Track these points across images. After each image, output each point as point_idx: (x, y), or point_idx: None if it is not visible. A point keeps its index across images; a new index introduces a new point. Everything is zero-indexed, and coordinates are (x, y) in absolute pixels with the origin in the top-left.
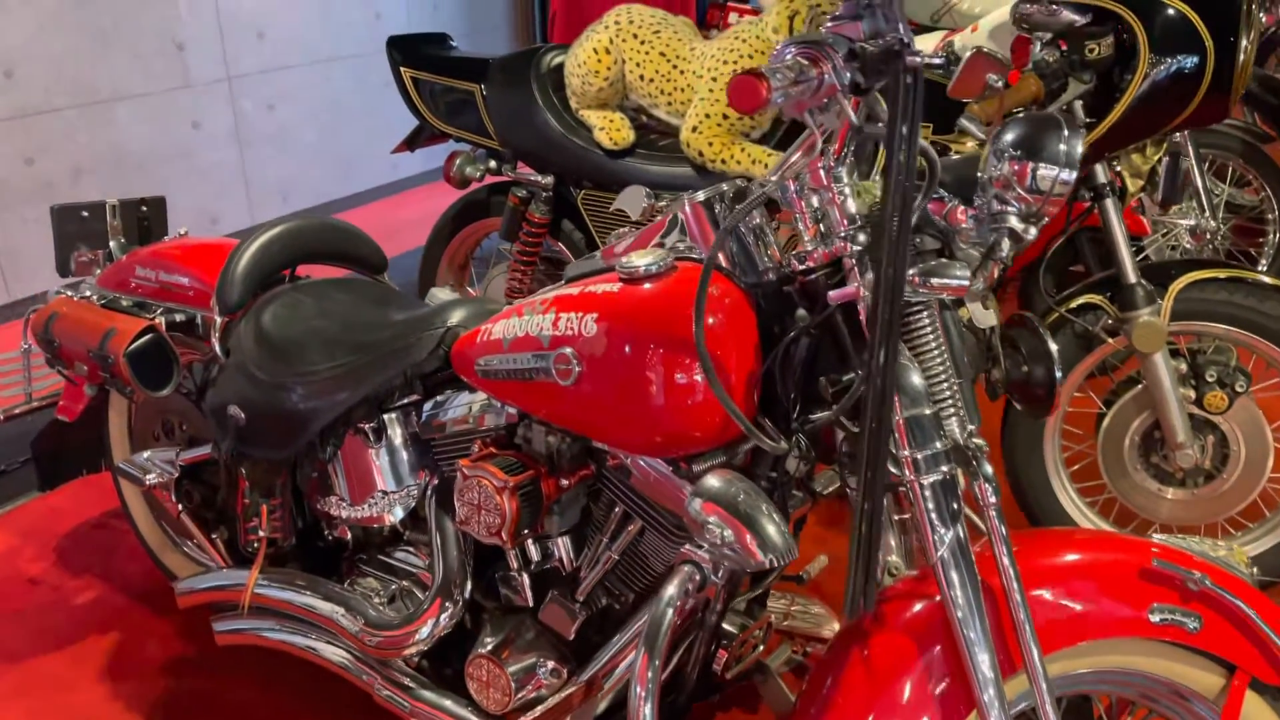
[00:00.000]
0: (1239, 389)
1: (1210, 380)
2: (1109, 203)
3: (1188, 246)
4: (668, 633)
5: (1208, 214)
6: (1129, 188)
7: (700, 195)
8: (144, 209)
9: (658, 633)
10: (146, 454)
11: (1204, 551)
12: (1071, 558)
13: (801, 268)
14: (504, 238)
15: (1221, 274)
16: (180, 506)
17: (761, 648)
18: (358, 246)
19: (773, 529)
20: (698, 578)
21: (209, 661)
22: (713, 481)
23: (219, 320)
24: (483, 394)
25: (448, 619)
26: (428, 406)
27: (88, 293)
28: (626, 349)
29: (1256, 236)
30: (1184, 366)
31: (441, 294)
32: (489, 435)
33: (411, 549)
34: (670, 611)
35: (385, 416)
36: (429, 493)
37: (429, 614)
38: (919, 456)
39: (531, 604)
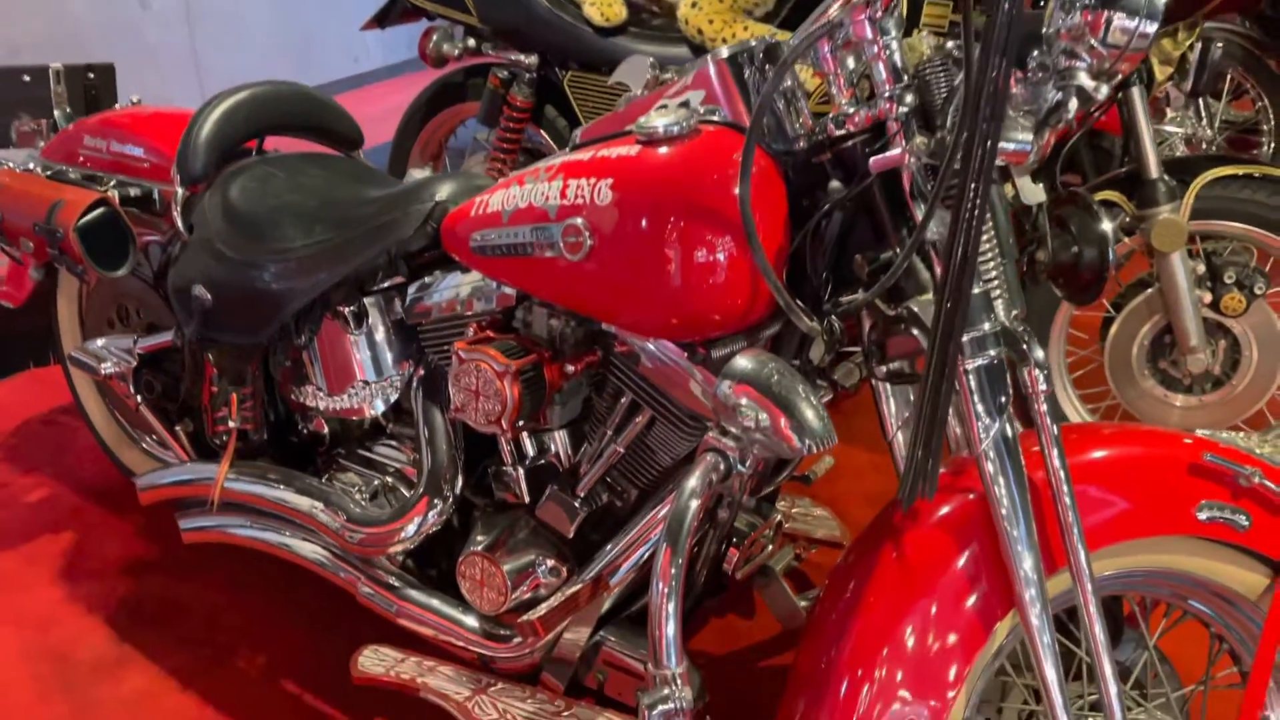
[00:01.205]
0: (1257, 291)
1: (1228, 282)
2: (1135, 91)
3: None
4: (691, 526)
5: (1204, 122)
6: (1156, 76)
7: (724, 52)
8: (90, 76)
9: (681, 526)
10: (101, 341)
11: (1250, 448)
12: (1119, 452)
13: (839, 133)
14: (482, 123)
15: (1251, 171)
16: (139, 398)
17: (770, 548)
18: (332, 119)
19: (811, 412)
20: (722, 467)
21: (173, 562)
22: (744, 362)
23: (180, 193)
24: (476, 274)
25: (436, 515)
26: (413, 289)
27: (31, 165)
28: (644, 219)
29: (1251, 149)
30: (1201, 267)
31: (416, 172)
32: (483, 319)
33: (394, 443)
34: (694, 504)
35: (366, 300)
36: (415, 383)
37: (416, 510)
38: (965, 339)
39: (528, 500)
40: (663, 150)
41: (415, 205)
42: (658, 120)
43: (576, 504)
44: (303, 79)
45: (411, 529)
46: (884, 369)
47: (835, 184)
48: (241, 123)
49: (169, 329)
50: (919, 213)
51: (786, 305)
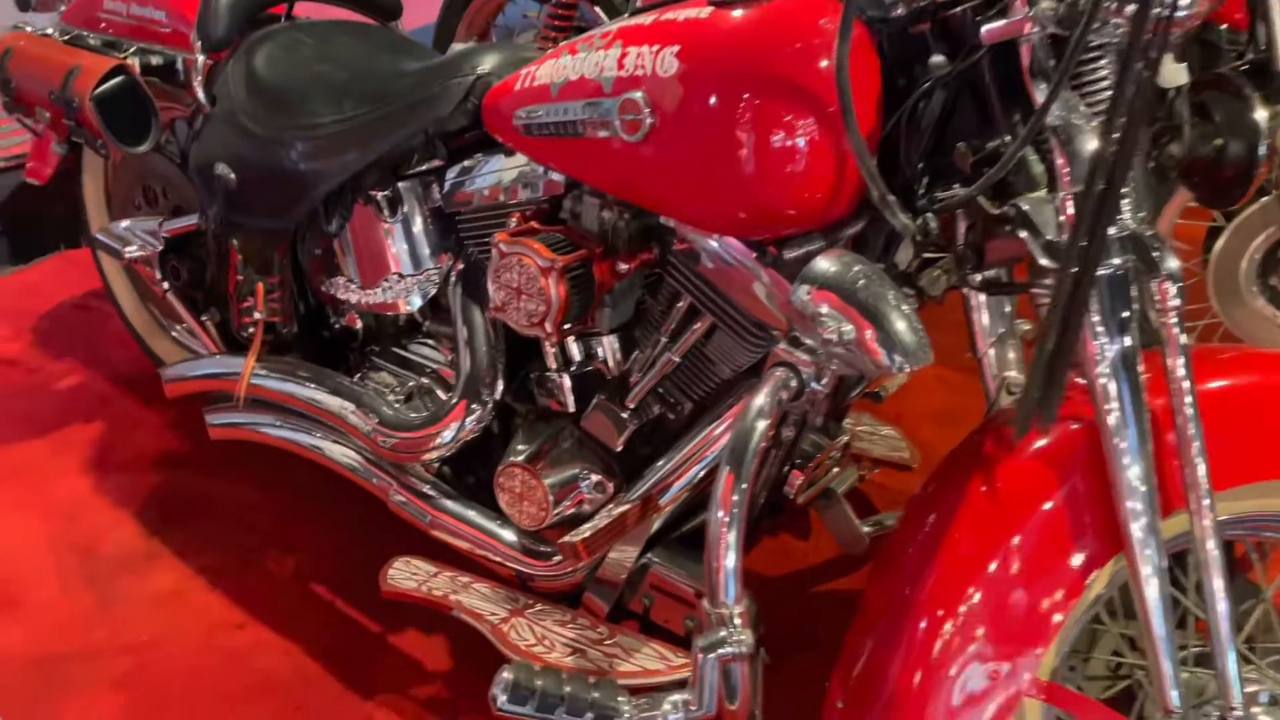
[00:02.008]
0: None
1: None
2: None
3: None
4: (757, 450)
5: None
6: None
7: None
8: None
9: (745, 449)
10: (125, 223)
11: None
12: (1245, 380)
13: None
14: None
15: None
16: (166, 284)
17: (836, 470)
18: None
19: (903, 324)
20: (793, 384)
21: (203, 457)
22: (826, 264)
23: (201, 61)
24: (521, 158)
25: (474, 421)
26: (452, 173)
27: (50, 30)
28: (714, 94)
29: None
30: None
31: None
32: (528, 208)
33: (431, 342)
34: (761, 424)
35: (401, 185)
36: (453, 277)
37: (453, 415)
38: None
39: (572, 410)
40: (738, 13)
41: (455, 79)
42: None
43: (625, 415)
44: None
45: (448, 435)
46: (979, 276)
47: (937, 58)
48: None
49: (197, 211)
50: (1038, 94)
51: (880, 198)
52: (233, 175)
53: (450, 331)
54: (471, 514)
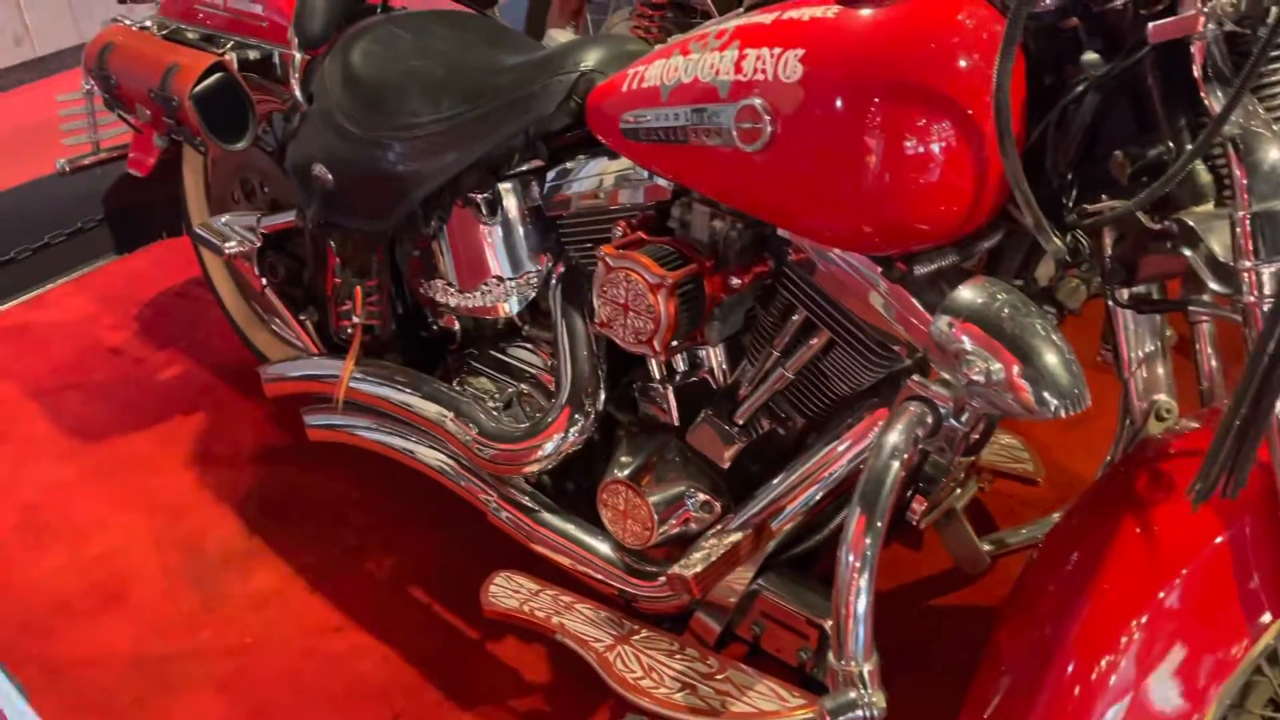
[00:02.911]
0: None
1: None
2: None
3: None
4: (893, 490)
5: None
6: None
7: None
8: None
9: (879, 490)
10: (225, 218)
11: None
12: None
13: None
14: None
15: None
16: (264, 281)
17: (959, 491)
18: None
19: (1057, 362)
20: (929, 420)
21: (303, 453)
22: (969, 294)
23: (298, 58)
24: (626, 161)
25: (577, 433)
26: (553, 175)
27: (148, 23)
28: (843, 100)
29: None
30: None
31: (562, 37)
32: (633, 215)
33: (530, 346)
34: (895, 464)
35: (501, 185)
36: (554, 281)
37: (555, 427)
38: (1265, 272)
39: (677, 422)
40: (868, 12)
41: (558, 76)
42: None
43: (734, 431)
44: None
45: (549, 447)
46: (1127, 293)
47: (1090, 56)
48: None
49: (293, 207)
50: (1213, 99)
51: (1035, 223)
52: (330, 176)
53: (550, 336)
54: (573, 529)
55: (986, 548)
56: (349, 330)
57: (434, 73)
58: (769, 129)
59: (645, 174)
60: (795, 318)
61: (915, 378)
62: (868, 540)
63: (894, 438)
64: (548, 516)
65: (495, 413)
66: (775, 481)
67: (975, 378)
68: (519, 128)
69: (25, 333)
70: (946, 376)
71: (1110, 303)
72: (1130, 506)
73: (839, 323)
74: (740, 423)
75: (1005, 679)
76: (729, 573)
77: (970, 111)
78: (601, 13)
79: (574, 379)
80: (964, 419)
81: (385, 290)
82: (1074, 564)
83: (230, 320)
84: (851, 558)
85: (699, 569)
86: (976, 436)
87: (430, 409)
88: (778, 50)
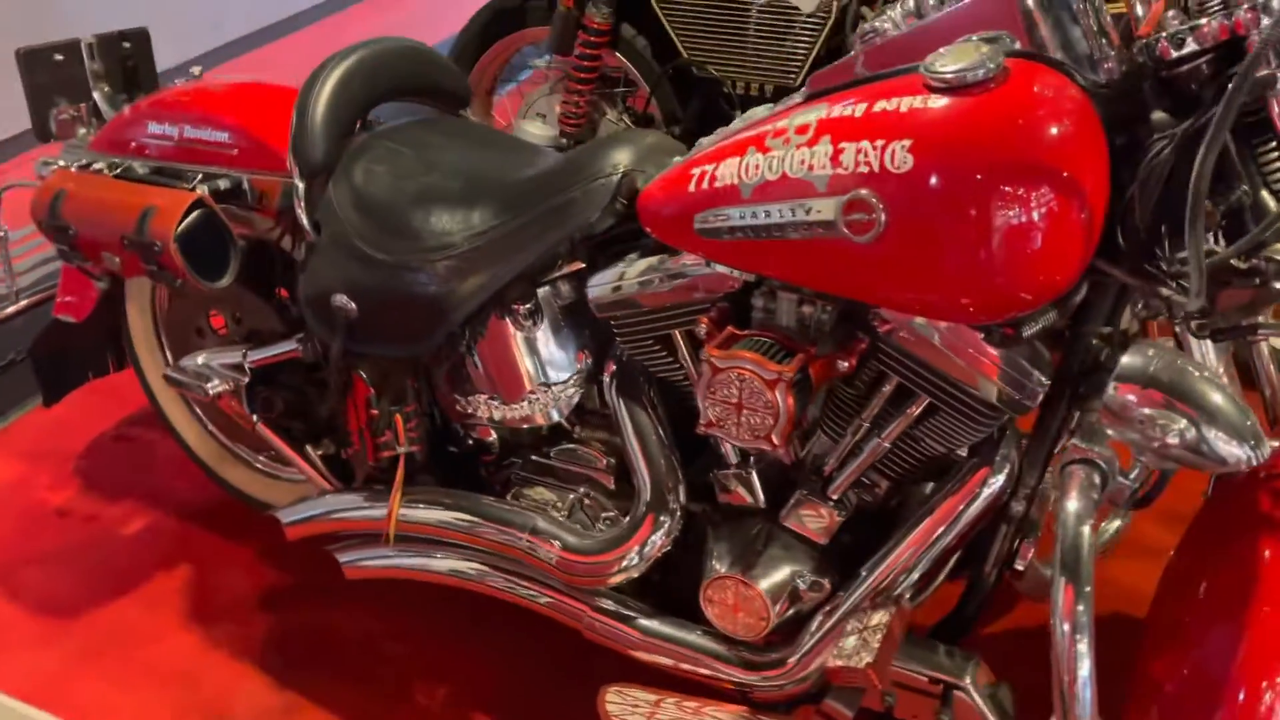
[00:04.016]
0: None
1: None
2: None
3: None
4: (1092, 555)
5: None
6: None
7: None
8: (126, 45)
9: (1078, 558)
10: (201, 358)
11: None
12: None
13: (1178, 54)
14: (554, 52)
15: None
16: (256, 418)
17: None
18: (440, 75)
19: (1234, 411)
20: (1098, 479)
21: (308, 586)
22: (1138, 360)
23: (301, 186)
24: (683, 256)
25: (663, 535)
26: (601, 277)
27: (93, 162)
28: (955, 185)
29: None
30: None
31: (532, 128)
32: (699, 309)
33: (580, 447)
34: (1086, 530)
35: (540, 292)
36: (607, 380)
37: (642, 531)
38: None
39: (763, 504)
40: (971, 99)
41: (597, 180)
42: (956, 63)
43: (831, 507)
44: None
45: (639, 553)
46: (1203, 323)
47: (1160, 115)
48: (357, 94)
49: (273, 335)
50: None
51: (1198, 285)
52: (353, 305)
53: (603, 435)
54: (677, 630)
55: (1047, 572)
56: (386, 462)
57: (451, 186)
58: (882, 219)
59: (702, 267)
60: (886, 387)
61: (1075, 441)
62: (1080, 607)
63: (1074, 505)
64: (646, 621)
65: (574, 525)
66: (887, 550)
67: (1169, 440)
68: (564, 235)
69: None
70: (1110, 433)
71: (1188, 335)
72: (1250, 530)
73: (942, 389)
74: (835, 498)
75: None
76: (895, 650)
77: (1067, 176)
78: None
79: (653, 479)
80: (1132, 476)
81: (421, 413)
82: (1211, 591)
83: (195, 458)
84: (1066, 626)
85: (869, 658)
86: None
87: (500, 531)
88: (880, 143)
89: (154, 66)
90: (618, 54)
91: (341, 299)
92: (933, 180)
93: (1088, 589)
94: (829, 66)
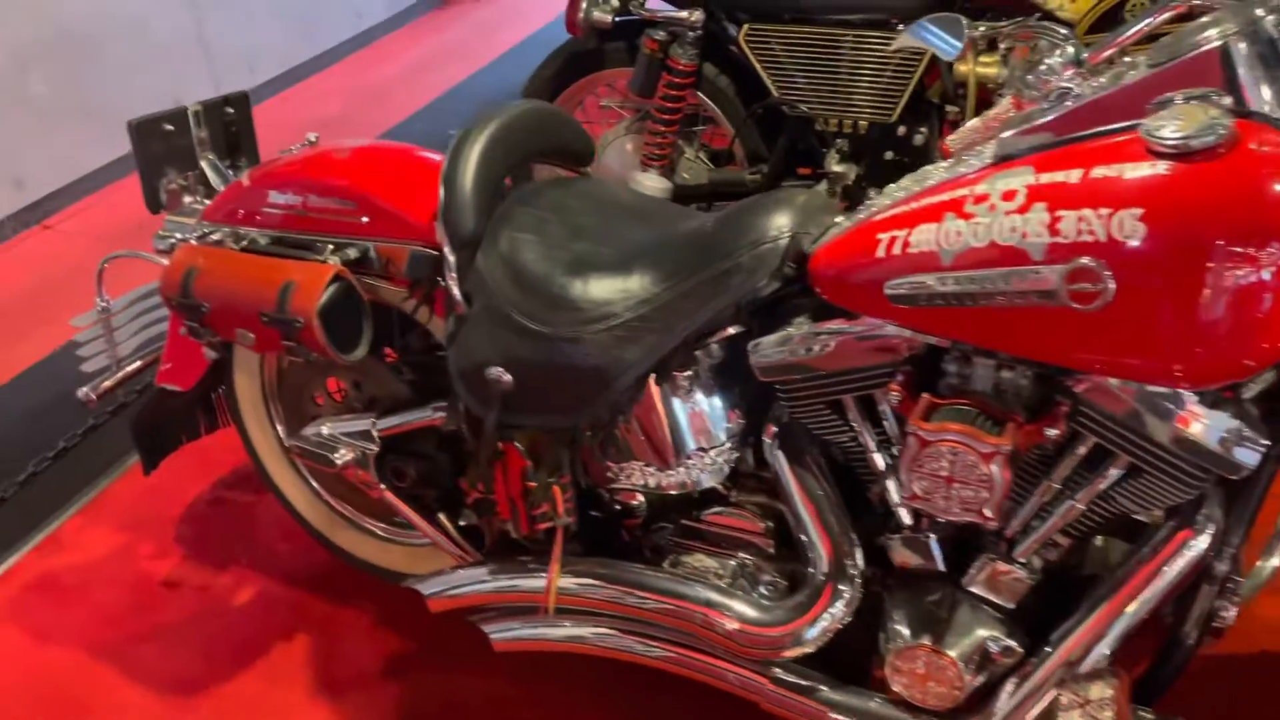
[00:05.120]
0: None
1: None
2: None
3: None
4: None
5: None
6: None
7: (1232, 24)
8: (229, 111)
9: None
10: (325, 427)
11: None
12: None
13: None
14: (638, 94)
15: None
16: (384, 487)
17: None
18: (569, 134)
19: None
20: None
21: (434, 651)
22: None
23: (452, 258)
24: (863, 320)
25: (844, 605)
26: (763, 341)
27: (209, 233)
28: (1190, 253)
29: None
30: None
31: (648, 180)
32: (878, 372)
33: (735, 512)
34: None
35: (700, 356)
36: (772, 443)
37: (824, 600)
38: None
39: (943, 568)
40: (1204, 165)
41: (764, 244)
42: (1186, 127)
43: (1020, 571)
44: (310, 45)
45: (822, 624)
46: None
47: None
48: (500, 160)
49: (396, 401)
50: None
51: None
52: (509, 377)
53: (761, 499)
54: (861, 701)
55: None
56: (541, 534)
57: (604, 253)
58: (1110, 287)
59: (876, 330)
60: (1081, 449)
61: None
62: None
63: None
64: (829, 693)
65: (751, 596)
66: (1081, 616)
67: None
68: (730, 302)
69: (55, 585)
70: None
71: None
72: None
73: (1148, 451)
74: (1022, 560)
75: None
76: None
77: None
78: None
79: (831, 545)
80: None
81: (575, 483)
82: None
83: (304, 525)
84: None
85: (1009, 705)
86: None
87: (672, 603)
88: (1105, 211)
89: (254, 130)
90: (699, 94)
91: (497, 371)
92: (1167, 249)
93: None
94: (1017, 129)
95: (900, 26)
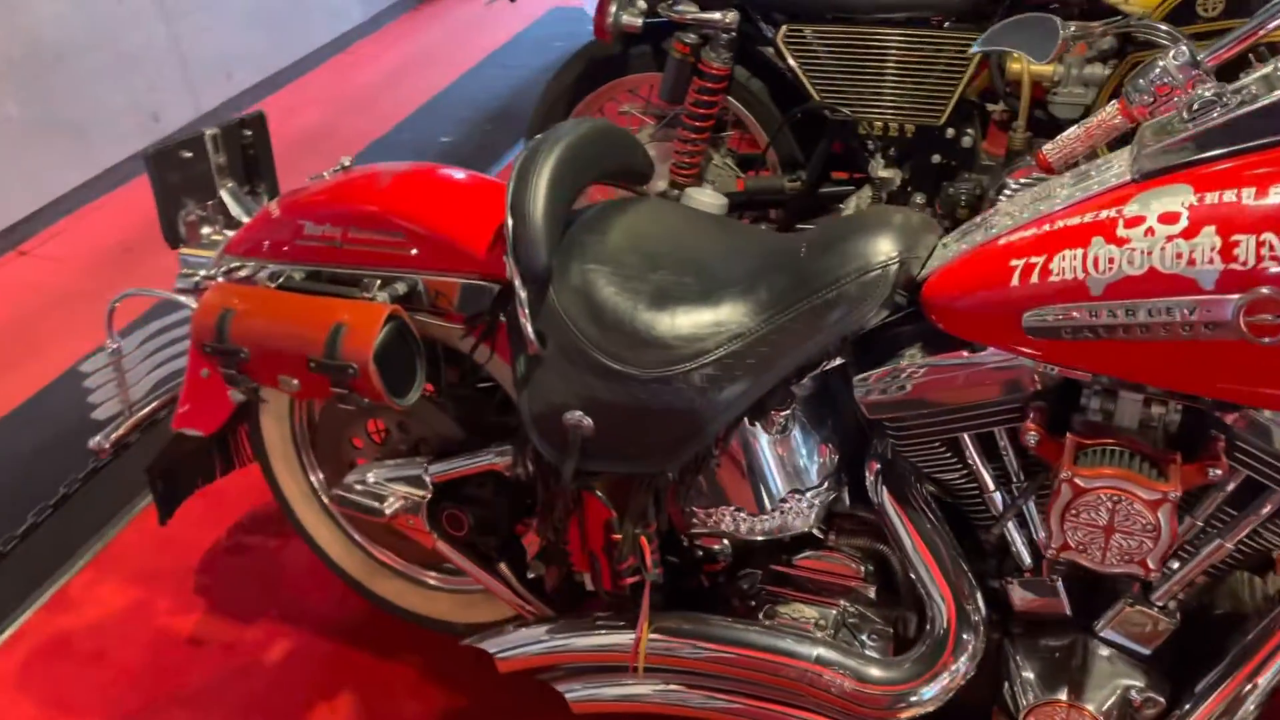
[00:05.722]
0: None
1: None
2: None
3: None
4: None
5: None
6: None
7: None
8: (246, 133)
9: None
10: (371, 474)
11: None
12: None
13: None
14: (669, 100)
15: None
16: (436, 535)
17: None
18: (630, 154)
19: None
20: None
21: (491, 706)
22: None
23: (524, 294)
24: (982, 352)
25: (969, 658)
26: (875, 376)
27: (236, 268)
28: None
29: None
30: None
31: (702, 196)
32: (1001, 408)
33: (831, 552)
34: None
35: (797, 392)
36: (876, 481)
37: (948, 653)
38: None
39: (1069, 612)
40: None
41: (870, 272)
42: None
43: (1159, 615)
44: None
45: (946, 679)
46: None
47: None
48: (569, 185)
49: (446, 443)
50: None
51: None
52: (589, 421)
53: (861, 542)
54: None
55: None
56: (628, 588)
57: (687, 283)
58: None
59: (1013, 363)
60: (1230, 485)
61: None
62: None
63: None
64: None
65: (864, 650)
66: (1231, 664)
67: None
68: (834, 334)
69: (68, 647)
70: None
71: None
72: None
73: None
74: (1161, 604)
75: None
76: None
77: None
78: None
79: (951, 592)
80: None
81: (660, 533)
82: None
83: (339, 572)
84: None
85: None
86: None
87: (777, 660)
88: None
89: (271, 152)
90: (731, 99)
91: (576, 415)
92: None
93: None
94: (1156, 143)
95: (945, 25)
